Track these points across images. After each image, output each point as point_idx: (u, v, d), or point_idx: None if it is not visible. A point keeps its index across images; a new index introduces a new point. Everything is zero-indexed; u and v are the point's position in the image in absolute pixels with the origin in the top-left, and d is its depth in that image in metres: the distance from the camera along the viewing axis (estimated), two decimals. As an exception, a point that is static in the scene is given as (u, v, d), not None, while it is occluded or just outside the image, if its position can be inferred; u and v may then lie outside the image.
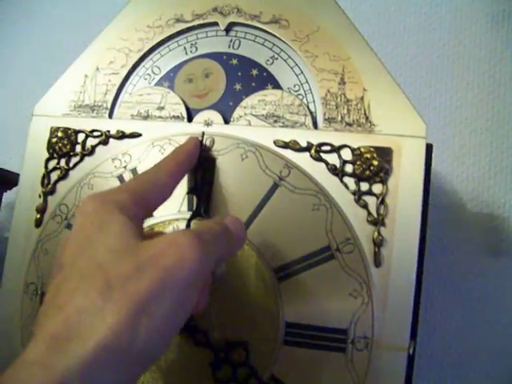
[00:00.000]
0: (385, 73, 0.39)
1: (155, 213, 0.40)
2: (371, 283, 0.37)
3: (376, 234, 0.37)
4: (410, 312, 0.36)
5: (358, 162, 0.38)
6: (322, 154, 0.38)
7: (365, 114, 0.38)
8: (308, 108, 0.40)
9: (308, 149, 0.39)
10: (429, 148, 0.56)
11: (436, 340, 0.61)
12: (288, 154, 0.39)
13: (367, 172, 0.37)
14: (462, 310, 0.62)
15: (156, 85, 0.44)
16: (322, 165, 0.38)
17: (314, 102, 0.40)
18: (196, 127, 0.41)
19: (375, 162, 0.37)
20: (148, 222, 0.40)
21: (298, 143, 0.39)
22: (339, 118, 0.39)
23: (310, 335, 0.37)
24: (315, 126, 0.39)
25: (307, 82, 0.40)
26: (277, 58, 0.41)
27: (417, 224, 0.37)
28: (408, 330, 0.36)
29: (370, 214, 0.37)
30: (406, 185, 0.37)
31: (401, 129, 0.38)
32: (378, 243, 0.37)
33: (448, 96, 0.68)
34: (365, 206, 0.37)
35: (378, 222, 0.37)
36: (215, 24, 0.43)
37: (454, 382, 0.60)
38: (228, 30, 0.43)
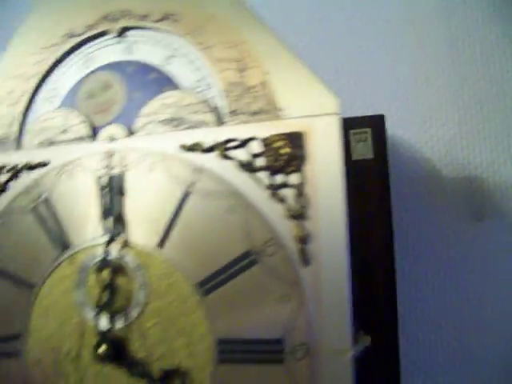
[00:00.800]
0: (286, 52, 0.35)
1: (74, 241, 0.38)
2: (301, 285, 0.33)
3: (298, 229, 0.33)
4: (348, 310, 0.32)
5: (269, 153, 0.34)
6: (230, 152, 0.35)
7: (270, 99, 0.35)
8: (211, 104, 0.36)
9: (215, 148, 0.35)
10: (380, 119, 0.52)
11: (422, 315, 0.57)
12: (196, 157, 0.36)
13: (279, 162, 0.34)
14: (449, 281, 0.57)
15: (60, 106, 0.41)
16: (232, 163, 0.35)
17: (216, 95, 0.36)
18: (101, 145, 0.38)
19: (286, 150, 0.34)
20: (68, 252, 0.38)
21: (203, 144, 0.35)
22: (244, 109, 0.35)
23: (245, 350, 0.34)
24: (221, 121, 0.36)
25: (207, 75, 0.37)
26: (175, 56, 0.38)
27: (341, 210, 0.33)
28: (348, 329, 0.32)
29: (289, 208, 0.34)
30: (324, 169, 0.33)
31: (310, 109, 0.34)
32: (303, 239, 0.33)
33: (406, 55, 0.63)
34: (282, 200, 0.34)
35: (299, 215, 0.33)
36: (107, 32, 0.40)
37: (444, 358, 0.56)
38: (121, 35, 0.40)
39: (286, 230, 0.33)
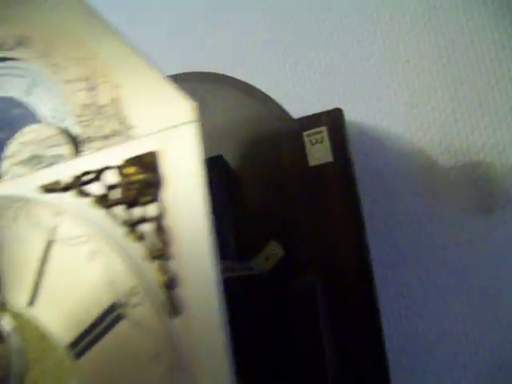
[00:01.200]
0: (140, 60, 0.29)
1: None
2: (173, 340, 0.27)
3: (162, 271, 0.27)
4: (229, 366, 0.25)
5: (123, 183, 0.28)
6: (86, 187, 0.30)
7: (122, 117, 0.29)
8: (67, 134, 0.31)
9: (71, 185, 0.30)
10: (337, 113, 0.44)
11: (422, 329, 0.48)
12: (56, 198, 0.31)
13: (132, 192, 0.28)
14: (457, 285, 0.48)
15: None
16: (89, 199, 0.29)
17: (73, 123, 0.31)
18: (-28, 197, 0.34)
19: (138, 177, 0.28)
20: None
21: (60, 182, 0.30)
22: (97, 133, 0.30)
23: (122, 424, 0.28)
24: (77, 152, 0.31)
25: (65, 101, 0.32)
26: (35, 85, 0.33)
27: (208, 242, 0.26)
28: (229, 391, 0.25)
29: (149, 246, 0.27)
30: (184, 193, 0.27)
31: (165, 121, 0.28)
32: (168, 283, 0.27)
33: (380, 35, 0.55)
34: (142, 238, 0.28)
35: (160, 255, 0.27)
36: (-27, 71, 0.36)
37: (440, 359, 0.46)
38: (-14, 72, 0.36)
39: (150, 273, 0.27)
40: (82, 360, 0.29)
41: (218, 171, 0.49)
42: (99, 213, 0.29)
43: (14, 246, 0.32)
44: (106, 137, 0.29)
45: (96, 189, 0.29)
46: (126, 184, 0.28)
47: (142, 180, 0.27)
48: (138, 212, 0.28)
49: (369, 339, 0.42)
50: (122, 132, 0.29)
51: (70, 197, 0.30)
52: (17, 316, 0.31)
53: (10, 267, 0.32)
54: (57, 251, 0.30)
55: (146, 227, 0.28)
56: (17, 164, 0.33)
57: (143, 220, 0.28)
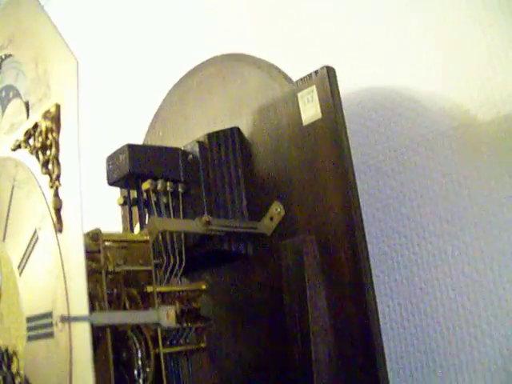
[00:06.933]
0: (56, 39, 0.36)
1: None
2: (59, 253, 0.33)
3: (53, 197, 0.33)
4: (84, 280, 0.30)
5: (38, 133, 0.36)
6: (29, 141, 0.37)
7: (47, 82, 0.36)
8: (25, 103, 0.40)
9: (21, 142, 0.38)
10: (326, 72, 0.45)
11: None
12: (17, 153, 0.39)
13: (41, 138, 0.35)
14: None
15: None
16: (28, 149, 0.37)
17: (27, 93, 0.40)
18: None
19: (47, 125, 0.35)
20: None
21: (17, 141, 0.39)
22: (35, 99, 0.38)
23: (38, 326, 0.34)
24: (28, 116, 0.39)
25: (26, 79, 0.41)
26: (19, 73, 0.43)
27: (77, 173, 0.32)
28: (83, 298, 0.30)
29: (50, 179, 0.34)
30: (68, 133, 0.33)
31: (64, 77, 0.34)
32: (58, 207, 0.33)
33: None
34: (47, 173, 0.34)
35: (54, 184, 0.33)
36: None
37: None
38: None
39: (49, 199, 0.34)
40: (22, 276, 0.36)
41: (233, 142, 0.54)
42: (32, 159, 0.37)
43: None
44: (40, 100, 0.37)
45: (32, 142, 0.37)
46: (41, 133, 0.35)
47: (49, 128, 0.34)
48: (48, 154, 0.35)
49: (355, 295, 0.42)
50: (47, 94, 0.36)
51: (21, 151, 0.38)
52: (-3, 250, 0.40)
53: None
54: (15, 194, 0.38)
55: (51, 166, 0.34)
56: (3, 133, 0.42)
57: (48, 159, 0.34)
